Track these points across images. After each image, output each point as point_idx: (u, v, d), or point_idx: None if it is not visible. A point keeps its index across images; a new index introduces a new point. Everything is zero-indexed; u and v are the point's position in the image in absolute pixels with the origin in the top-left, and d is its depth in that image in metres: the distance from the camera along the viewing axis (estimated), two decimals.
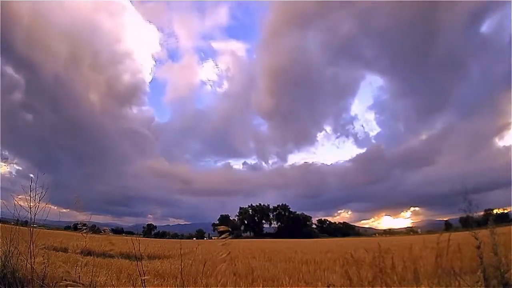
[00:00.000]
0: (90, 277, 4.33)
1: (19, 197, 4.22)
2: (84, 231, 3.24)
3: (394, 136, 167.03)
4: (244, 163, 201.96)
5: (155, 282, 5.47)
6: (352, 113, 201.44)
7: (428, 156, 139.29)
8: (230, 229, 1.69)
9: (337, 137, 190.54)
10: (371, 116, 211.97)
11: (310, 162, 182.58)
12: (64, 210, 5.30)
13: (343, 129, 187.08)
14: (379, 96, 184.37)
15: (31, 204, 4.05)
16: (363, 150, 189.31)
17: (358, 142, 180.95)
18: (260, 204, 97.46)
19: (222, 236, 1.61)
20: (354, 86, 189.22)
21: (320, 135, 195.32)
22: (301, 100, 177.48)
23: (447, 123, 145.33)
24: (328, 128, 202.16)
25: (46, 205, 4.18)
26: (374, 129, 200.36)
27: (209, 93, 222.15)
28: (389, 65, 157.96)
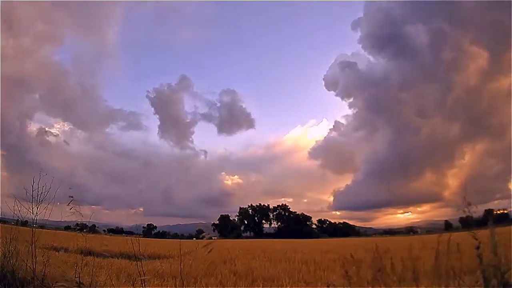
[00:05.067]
0: (90, 277, 4.33)
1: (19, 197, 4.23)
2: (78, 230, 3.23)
3: None
4: None
5: (155, 282, 5.47)
6: None
7: None
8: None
9: None
10: None
11: None
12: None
13: None
14: None
15: (32, 204, 4.06)
16: None
17: None
18: (260, 204, 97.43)
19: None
20: None
21: None
22: None
23: None
24: None
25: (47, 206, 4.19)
26: None
27: None
28: None
